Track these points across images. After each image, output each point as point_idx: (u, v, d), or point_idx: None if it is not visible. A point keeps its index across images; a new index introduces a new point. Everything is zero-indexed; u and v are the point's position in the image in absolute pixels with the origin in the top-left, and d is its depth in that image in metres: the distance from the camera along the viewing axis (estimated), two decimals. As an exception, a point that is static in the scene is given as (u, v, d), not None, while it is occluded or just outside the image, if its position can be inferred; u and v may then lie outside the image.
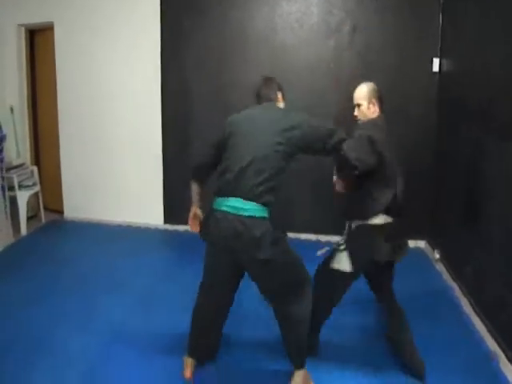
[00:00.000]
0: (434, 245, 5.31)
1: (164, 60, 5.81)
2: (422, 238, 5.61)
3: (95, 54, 5.95)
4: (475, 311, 3.95)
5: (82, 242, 5.60)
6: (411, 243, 5.48)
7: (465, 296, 4.21)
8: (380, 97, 3.27)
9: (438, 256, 5.05)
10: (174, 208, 6.07)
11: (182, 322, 3.73)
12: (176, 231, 6.03)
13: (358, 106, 3.25)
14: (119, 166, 6.12)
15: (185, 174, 5.89)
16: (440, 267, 4.95)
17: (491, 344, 3.55)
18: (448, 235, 4.93)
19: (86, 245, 5.51)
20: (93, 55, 5.96)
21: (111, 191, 6.18)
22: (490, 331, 3.63)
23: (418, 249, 5.52)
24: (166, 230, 6.09)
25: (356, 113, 3.29)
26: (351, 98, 3.30)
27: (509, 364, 3.27)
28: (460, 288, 4.36)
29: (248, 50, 5.66)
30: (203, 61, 5.75)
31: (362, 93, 3.25)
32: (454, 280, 4.52)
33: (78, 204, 6.31)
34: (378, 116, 3.25)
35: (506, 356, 3.32)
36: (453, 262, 4.73)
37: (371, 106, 3.24)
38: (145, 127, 5.97)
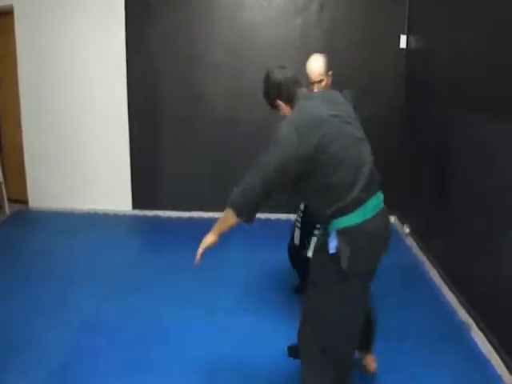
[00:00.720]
0: (403, 220, 5.38)
1: (129, 38, 5.65)
2: (391, 214, 5.67)
3: (57, 36, 5.76)
4: (445, 283, 4.03)
5: (50, 233, 5.45)
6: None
7: (435, 268, 4.29)
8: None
9: (407, 230, 5.12)
10: (143, 193, 5.99)
11: (155, 309, 3.77)
12: (145, 216, 5.95)
13: (320, 82, 3.17)
14: (85, 152, 5.97)
15: (153, 157, 5.88)
16: (410, 241, 5.03)
17: (462, 314, 3.63)
18: (417, 210, 5.00)
19: (55, 235, 5.36)
20: (55, 37, 5.76)
21: (77, 178, 6.03)
22: (460, 302, 3.70)
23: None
24: (134, 216, 5.99)
25: (316, 90, 3.17)
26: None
27: (480, 333, 3.34)
28: (430, 261, 4.43)
29: (215, 27, 5.58)
30: (169, 38, 5.64)
31: (321, 67, 3.20)
32: (424, 253, 4.60)
33: (43, 193, 6.13)
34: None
35: (478, 325, 3.40)
36: (422, 236, 4.81)
37: (329, 78, 3.24)
38: (110, 110, 5.83)
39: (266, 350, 3.24)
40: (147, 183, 5.93)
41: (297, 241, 3.60)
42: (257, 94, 5.53)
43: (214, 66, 5.60)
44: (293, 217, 5.43)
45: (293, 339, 2.74)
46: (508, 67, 3.06)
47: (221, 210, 6.00)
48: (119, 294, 4.02)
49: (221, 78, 5.63)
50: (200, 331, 3.45)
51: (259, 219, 5.68)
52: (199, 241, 4.84)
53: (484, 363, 3.16)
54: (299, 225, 3.60)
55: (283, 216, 5.71)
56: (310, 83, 3.25)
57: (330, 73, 3.29)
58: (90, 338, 3.40)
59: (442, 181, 4.22)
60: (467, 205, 3.72)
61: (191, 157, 5.80)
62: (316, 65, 3.24)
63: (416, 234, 4.97)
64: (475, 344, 3.34)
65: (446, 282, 4.03)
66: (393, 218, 5.66)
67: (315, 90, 3.19)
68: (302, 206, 3.60)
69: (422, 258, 4.59)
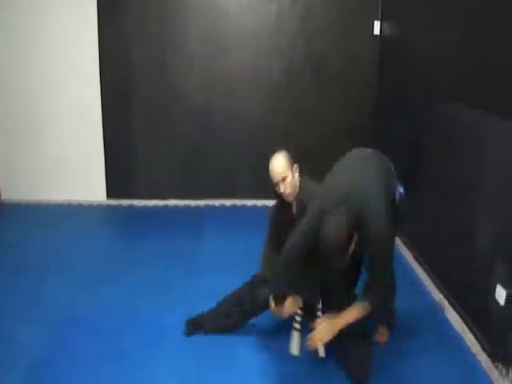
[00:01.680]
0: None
1: (101, 25, 5.52)
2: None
3: (27, 21, 5.59)
4: (420, 265, 4.10)
5: (24, 226, 5.33)
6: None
7: (409, 251, 4.36)
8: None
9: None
10: (117, 182, 5.91)
11: (132, 299, 3.76)
12: (120, 206, 5.87)
13: (283, 179, 3.07)
14: (57, 143, 5.85)
15: (127, 146, 5.83)
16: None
17: (435, 294, 3.71)
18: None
19: (28, 228, 5.25)
20: (25, 22, 5.59)
21: (50, 170, 5.91)
22: (433, 281, 3.78)
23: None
24: (109, 206, 5.91)
25: (282, 189, 3.09)
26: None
27: (454, 312, 3.41)
28: (405, 244, 4.52)
29: (190, 16, 5.51)
30: (143, 26, 5.55)
31: (282, 165, 3.09)
32: (399, 237, 4.66)
33: (16, 185, 5.96)
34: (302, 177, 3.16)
35: (451, 305, 3.47)
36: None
37: (295, 172, 3.13)
38: (82, 96, 5.70)
39: (248, 337, 3.27)
40: (121, 172, 5.87)
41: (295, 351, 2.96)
42: (231, 83, 5.60)
43: (189, 54, 5.57)
44: (269, 203, 5.45)
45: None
46: (481, 54, 3.11)
47: (195, 197, 6.05)
48: (95, 285, 3.98)
49: (196, 67, 5.59)
50: (177, 320, 3.43)
51: (235, 206, 5.73)
52: (175, 229, 4.85)
53: (457, 341, 3.23)
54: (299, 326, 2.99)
55: (259, 202, 5.72)
56: (275, 185, 3.14)
57: (295, 166, 3.16)
58: (66, 332, 3.36)
59: (414, 169, 4.30)
60: (439, 190, 3.81)
61: (166, 145, 5.76)
62: (276, 165, 3.11)
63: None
64: (449, 323, 3.41)
65: (419, 261, 4.13)
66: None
67: (281, 190, 3.10)
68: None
69: (397, 241, 4.65)
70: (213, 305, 3.34)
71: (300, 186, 3.13)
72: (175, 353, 3.11)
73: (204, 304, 3.43)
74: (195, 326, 3.28)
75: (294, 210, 3.15)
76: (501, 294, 2.80)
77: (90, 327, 3.41)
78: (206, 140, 5.70)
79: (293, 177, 3.11)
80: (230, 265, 4.26)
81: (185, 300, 3.70)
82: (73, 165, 5.88)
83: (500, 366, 2.78)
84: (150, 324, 3.42)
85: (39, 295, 3.83)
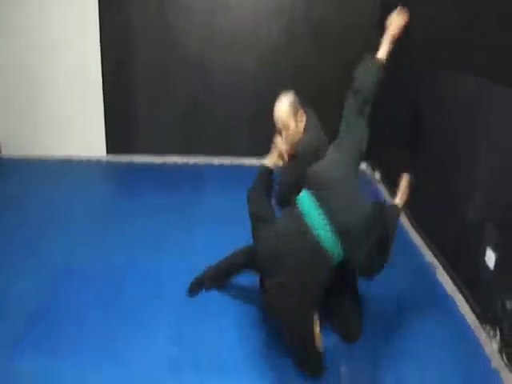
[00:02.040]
0: (374, 166, 5.48)
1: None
2: (364, 161, 5.78)
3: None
4: (413, 226, 4.19)
5: (22, 181, 5.37)
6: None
7: (405, 215, 4.43)
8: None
9: (378, 177, 5.24)
10: (117, 138, 5.94)
11: (130, 252, 3.86)
12: (119, 162, 5.91)
13: (286, 128, 2.88)
14: (58, 98, 5.84)
15: (127, 102, 5.82)
16: (380, 187, 5.16)
17: (428, 256, 3.80)
18: (387, 157, 5.10)
19: (27, 184, 5.29)
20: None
21: (50, 125, 5.92)
22: (426, 244, 3.88)
23: (359, 171, 5.68)
24: (108, 161, 5.95)
25: (280, 143, 2.93)
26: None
27: (445, 274, 3.52)
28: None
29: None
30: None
31: (285, 110, 2.88)
32: (393, 198, 4.71)
33: (16, 141, 6.01)
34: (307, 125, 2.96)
35: (443, 267, 3.57)
36: (391, 182, 4.92)
37: (300, 121, 2.93)
38: (82, 52, 5.67)
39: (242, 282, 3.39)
40: (121, 129, 5.89)
41: None
42: (230, 38, 5.55)
43: (188, 8, 5.50)
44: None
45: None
46: (481, 23, 3.10)
47: (195, 154, 6.08)
48: (94, 239, 4.07)
49: (195, 21, 5.53)
50: (175, 271, 3.55)
51: (233, 164, 5.76)
52: (174, 185, 4.91)
53: (448, 302, 3.34)
54: None
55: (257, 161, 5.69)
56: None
57: (301, 112, 2.94)
58: (65, 283, 3.46)
59: (412, 130, 4.33)
60: (433, 153, 3.86)
61: (165, 102, 5.76)
62: (279, 110, 2.91)
63: (386, 180, 5.09)
64: (440, 284, 3.51)
65: (413, 224, 4.21)
66: (364, 165, 5.76)
67: (279, 143, 2.95)
68: None
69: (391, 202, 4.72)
70: (211, 256, 3.43)
71: (300, 138, 2.94)
72: (174, 304, 3.22)
73: (203, 256, 3.56)
74: (199, 283, 3.35)
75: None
76: (490, 258, 2.89)
77: (89, 279, 3.51)
78: (205, 97, 5.70)
79: (296, 126, 2.90)
80: (229, 219, 4.34)
81: (184, 252, 3.81)
82: (73, 121, 5.89)
83: (488, 327, 2.89)
84: (149, 275, 3.54)
85: (38, 248, 3.91)
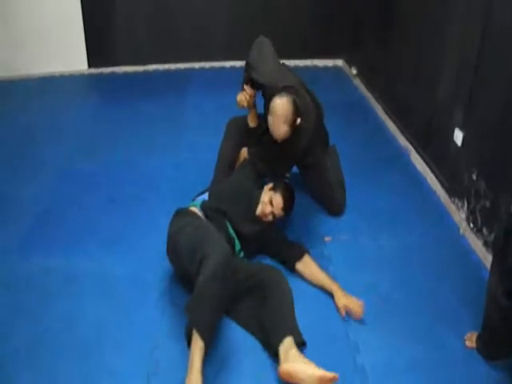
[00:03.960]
0: (351, 62, 5.64)
1: None
2: (339, 57, 5.93)
3: None
4: (387, 114, 4.48)
5: (6, 101, 5.27)
6: (330, 62, 5.84)
7: (378, 102, 4.71)
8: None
9: (354, 72, 5.41)
10: (98, 50, 5.86)
11: (124, 155, 4.07)
12: (102, 74, 5.90)
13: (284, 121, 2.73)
14: (35, 15, 5.62)
15: (105, 13, 5.74)
16: (357, 82, 5.36)
17: (402, 140, 4.10)
18: (363, 53, 5.27)
19: (11, 102, 5.23)
20: None
21: (28, 43, 5.71)
22: (400, 130, 4.17)
23: (336, 67, 5.87)
24: (91, 74, 5.93)
25: (272, 127, 2.77)
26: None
27: (418, 156, 3.83)
28: (374, 97, 4.85)
29: None
30: None
31: (285, 116, 2.70)
32: (369, 91, 4.96)
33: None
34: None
35: (415, 149, 3.87)
36: (367, 76, 5.13)
37: (292, 126, 2.76)
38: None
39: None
40: (101, 40, 5.82)
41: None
42: None
43: None
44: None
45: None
46: None
47: (176, 61, 6.02)
48: (88, 147, 4.23)
49: None
50: (169, 168, 3.82)
51: (213, 68, 5.85)
52: (157, 92, 5.02)
53: (421, 180, 3.68)
54: None
55: (237, 63, 5.76)
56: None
57: (298, 121, 2.77)
58: (68, 185, 3.68)
59: (384, 26, 4.52)
60: (406, 45, 4.08)
61: (144, 9, 5.69)
62: (280, 108, 2.73)
63: (362, 74, 5.30)
64: (413, 165, 3.84)
65: (388, 113, 4.48)
66: (341, 62, 5.92)
67: (272, 127, 2.80)
68: None
69: (368, 94, 4.96)
70: (201, 154, 3.73)
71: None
72: (167, 195, 3.48)
73: (191, 155, 3.83)
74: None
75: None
76: (458, 136, 3.17)
77: (90, 180, 3.75)
78: (181, 2, 5.69)
79: (289, 130, 2.77)
80: (214, 121, 4.51)
81: (171, 152, 4.08)
82: (52, 37, 5.73)
83: (456, 200, 3.22)
84: (145, 173, 3.80)
85: (34, 159, 4.06)
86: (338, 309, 2.54)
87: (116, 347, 2.33)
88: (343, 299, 2.53)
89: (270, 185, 2.92)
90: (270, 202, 2.82)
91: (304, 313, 2.45)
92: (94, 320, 2.46)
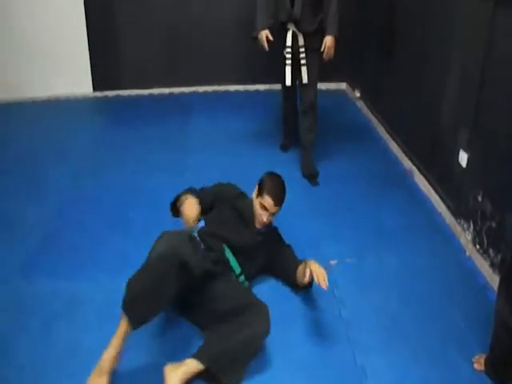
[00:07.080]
0: (354, 85, 5.67)
1: None
2: (343, 81, 5.97)
3: None
4: (391, 137, 4.48)
5: (13, 124, 5.32)
6: (333, 85, 5.87)
7: (382, 125, 4.72)
8: None
9: (358, 94, 5.44)
10: (103, 74, 5.93)
11: (128, 178, 4.07)
12: (106, 97, 5.96)
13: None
14: (41, 38, 5.67)
15: (110, 37, 5.79)
16: (360, 104, 5.38)
17: (406, 162, 4.11)
18: (366, 75, 5.29)
19: (18, 125, 5.27)
20: None
21: (34, 66, 5.78)
22: (404, 152, 4.17)
23: (339, 90, 5.92)
24: (96, 97, 5.98)
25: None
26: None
27: (421, 177, 3.83)
28: (378, 119, 4.86)
29: None
30: None
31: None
32: (373, 113, 4.97)
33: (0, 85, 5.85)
34: None
35: (419, 170, 3.88)
36: (371, 99, 5.15)
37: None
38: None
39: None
40: (106, 65, 5.86)
41: (288, 81, 3.74)
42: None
43: None
44: (251, 88, 5.67)
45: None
46: None
47: (180, 85, 6.08)
48: (93, 170, 4.23)
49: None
50: (174, 189, 3.75)
51: (217, 92, 5.88)
52: (161, 115, 5.04)
53: (425, 201, 3.68)
54: (289, 61, 3.68)
55: (241, 87, 5.81)
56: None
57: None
58: (72, 208, 3.66)
59: (388, 49, 4.52)
60: (409, 67, 4.10)
61: (148, 34, 5.75)
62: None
63: (365, 96, 5.33)
64: (417, 186, 3.84)
65: (392, 135, 4.48)
66: (344, 85, 5.96)
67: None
68: (288, 42, 3.66)
69: (371, 117, 4.98)
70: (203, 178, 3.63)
71: None
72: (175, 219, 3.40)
73: (195, 178, 3.74)
74: None
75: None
76: (463, 158, 3.16)
77: (93, 204, 3.72)
78: (187, 29, 5.70)
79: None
80: (217, 145, 4.58)
81: (178, 172, 4.05)
82: (58, 60, 5.80)
83: (462, 221, 3.21)
84: (149, 196, 3.77)
85: (39, 182, 4.04)
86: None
87: (120, 370, 2.30)
88: (314, 265, 2.47)
89: (255, 192, 2.81)
90: (262, 208, 2.73)
91: (309, 337, 2.45)
92: (97, 343, 2.43)
